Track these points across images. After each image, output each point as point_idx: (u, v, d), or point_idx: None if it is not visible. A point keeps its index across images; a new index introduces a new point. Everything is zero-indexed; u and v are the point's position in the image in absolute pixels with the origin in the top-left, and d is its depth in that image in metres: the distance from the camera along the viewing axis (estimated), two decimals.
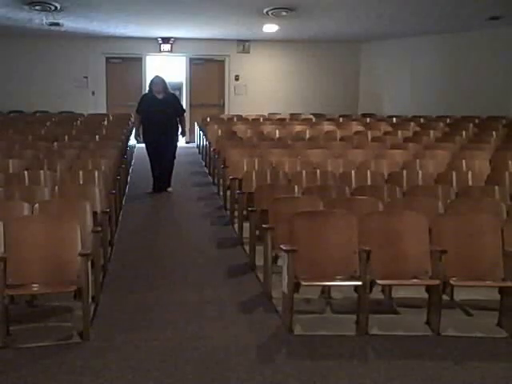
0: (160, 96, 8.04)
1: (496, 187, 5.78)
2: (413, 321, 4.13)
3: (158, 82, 8.15)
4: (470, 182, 6.32)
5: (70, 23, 11.54)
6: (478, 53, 12.10)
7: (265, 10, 10.30)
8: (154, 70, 14.17)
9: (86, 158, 7.11)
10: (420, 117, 11.93)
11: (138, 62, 13.98)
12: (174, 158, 8.33)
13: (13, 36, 12.68)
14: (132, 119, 12.10)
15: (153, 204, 7.94)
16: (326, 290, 4.60)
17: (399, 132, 9.86)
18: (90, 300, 3.81)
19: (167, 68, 14.69)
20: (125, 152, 8.65)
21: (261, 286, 4.82)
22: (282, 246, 4.04)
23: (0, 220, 4.00)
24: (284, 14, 10.40)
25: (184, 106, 9.52)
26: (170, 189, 8.36)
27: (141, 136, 8.35)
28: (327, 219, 4.26)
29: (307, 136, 9.60)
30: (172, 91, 8.44)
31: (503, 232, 4.26)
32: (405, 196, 5.66)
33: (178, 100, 8.51)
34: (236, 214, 6.60)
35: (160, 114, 7.93)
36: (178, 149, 8.47)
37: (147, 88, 8.32)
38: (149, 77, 13.78)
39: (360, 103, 14.58)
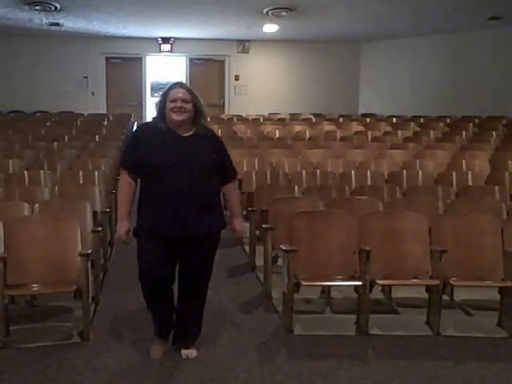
0: (185, 133, 3.33)
1: (496, 187, 5.79)
2: (413, 321, 4.13)
3: (179, 96, 3.23)
4: (470, 182, 6.33)
5: (70, 23, 11.55)
6: (477, 53, 12.10)
7: (265, 10, 10.31)
8: (154, 70, 14.26)
9: (86, 158, 7.12)
10: (420, 117, 11.93)
11: (137, 62, 13.97)
12: (210, 276, 3.52)
13: (13, 36, 12.69)
14: (132, 119, 11.97)
15: None
16: (326, 290, 4.61)
17: (399, 132, 9.87)
18: (90, 300, 3.80)
19: (167, 68, 14.73)
20: None
21: (261, 286, 4.82)
22: (281, 246, 4.04)
23: (0, 220, 4.00)
24: (284, 13, 10.42)
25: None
26: (193, 352, 3.53)
27: (140, 222, 3.67)
28: (327, 219, 4.25)
29: (307, 136, 9.60)
30: (210, 126, 3.63)
31: (503, 232, 4.26)
32: (405, 196, 5.67)
33: (224, 146, 3.51)
34: None
35: (184, 173, 3.26)
36: None
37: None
38: (149, 77, 13.93)
39: (360, 103, 14.58)
